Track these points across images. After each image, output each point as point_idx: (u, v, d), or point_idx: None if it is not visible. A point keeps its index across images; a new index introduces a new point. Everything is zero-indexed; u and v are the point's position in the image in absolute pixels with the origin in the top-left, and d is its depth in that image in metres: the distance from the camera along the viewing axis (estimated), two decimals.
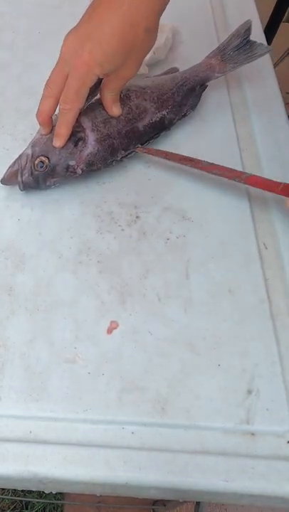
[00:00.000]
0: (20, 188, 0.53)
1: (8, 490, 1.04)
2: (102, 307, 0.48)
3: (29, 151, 0.53)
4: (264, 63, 0.69)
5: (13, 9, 0.74)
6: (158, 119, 0.57)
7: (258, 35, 0.72)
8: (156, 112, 0.57)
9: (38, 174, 0.52)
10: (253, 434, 0.43)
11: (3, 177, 0.53)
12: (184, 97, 0.59)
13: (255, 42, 0.61)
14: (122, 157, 0.56)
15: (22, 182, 0.52)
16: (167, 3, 0.49)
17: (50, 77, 0.51)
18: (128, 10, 0.46)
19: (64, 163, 0.53)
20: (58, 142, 0.52)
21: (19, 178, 0.52)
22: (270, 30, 1.16)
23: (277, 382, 0.45)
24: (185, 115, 0.61)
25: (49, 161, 0.52)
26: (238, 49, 0.61)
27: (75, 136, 0.53)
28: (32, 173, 0.52)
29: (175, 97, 0.58)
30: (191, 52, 0.69)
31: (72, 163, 0.53)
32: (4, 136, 0.60)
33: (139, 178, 0.57)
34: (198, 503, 0.88)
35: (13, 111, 0.62)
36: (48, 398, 0.43)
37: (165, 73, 0.63)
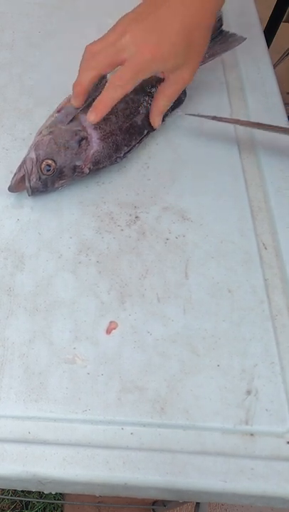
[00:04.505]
0: (28, 193, 0.52)
1: (8, 490, 1.04)
2: (102, 307, 0.48)
3: (33, 155, 0.52)
4: (264, 63, 0.69)
5: (13, 9, 0.74)
6: None
7: (257, 35, 0.73)
8: (150, 103, 0.56)
9: (46, 178, 0.52)
10: (252, 434, 0.43)
11: (11, 185, 0.52)
12: None
13: (228, 32, 0.61)
14: (125, 153, 0.56)
15: (30, 187, 0.51)
16: (223, 4, 0.48)
17: (96, 49, 0.48)
18: (194, 9, 0.45)
19: (71, 164, 0.52)
20: (92, 116, 0.49)
21: (27, 184, 0.51)
22: (270, 30, 1.16)
23: (277, 382, 0.45)
24: (180, 102, 0.60)
25: (56, 163, 0.51)
26: (212, 39, 0.60)
27: (78, 136, 0.53)
28: (40, 178, 0.51)
29: None
30: None
31: (79, 163, 0.53)
32: (4, 136, 0.60)
33: (138, 178, 0.57)
34: (198, 503, 0.87)
35: (13, 111, 0.62)
36: (47, 398, 0.43)
37: None
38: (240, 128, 0.62)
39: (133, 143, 0.56)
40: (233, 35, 0.61)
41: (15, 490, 1.04)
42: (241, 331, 0.47)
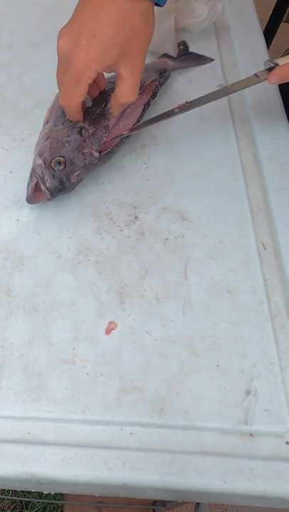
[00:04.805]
0: (47, 197, 0.51)
1: (8, 490, 1.04)
2: (101, 307, 0.48)
3: (40, 161, 0.51)
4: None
5: (12, 9, 0.74)
6: None
7: (257, 35, 0.73)
8: None
9: (59, 174, 0.51)
10: (251, 434, 0.43)
11: (28, 196, 0.51)
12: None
13: (196, 54, 0.70)
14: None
15: (47, 189, 0.51)
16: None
17: (57, 80, 0.50)
18: (122, 9, 0.45)
19: (79, 154, 0.52)
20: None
21: (43, 187, 0.51)
22: (270, 31, 1.16)
23: (276, 382, 0.45)
24: (166, 78, 0.65)
25: (64, 158, 0.51)
26: (181, 56, 0.69)
27: (76, 128, 0.53)
28: (54, 176, 0.51)
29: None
30: (192, 50, 0.69)
31: (86, 150, 0.53)
32: (3, 136, 0.60)
33: (137, 178, 0.57)
34: (197, 503, 0.87)
35: (12, 111, 0.62)
36: (46, 399, 0.43)
37: None
38: (240, 128, 0.62)
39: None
40: (202, 56, 0.70)
41: (15, 490, 1.04)
42: (240, 331, 0.47)
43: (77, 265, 0.50)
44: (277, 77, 0.50)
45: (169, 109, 0.55)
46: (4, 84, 0.65)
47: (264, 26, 1.13)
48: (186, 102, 0.55)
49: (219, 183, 0.57)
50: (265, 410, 0.43)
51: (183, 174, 0.58)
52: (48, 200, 0.52)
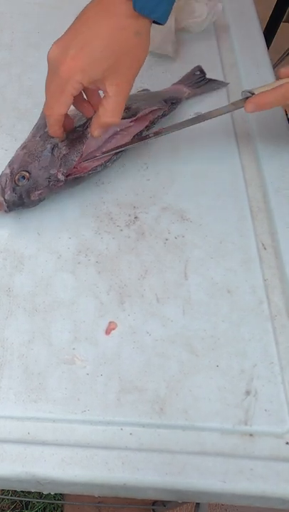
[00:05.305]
0: (4, 208, 0.51)
1: (8, 490, 1.04)
2: (101, 308, 0.48)
3: (8, 171, 0.51)
4: (263, 63, 0.69)
5: (12, 9, 0.74)
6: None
7: (257, 35, 0.73)
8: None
9: (20, 190, 0.50)
10: (251, 434, 0.43)
11: None
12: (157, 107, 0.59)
13: (211, 80, 0.66)
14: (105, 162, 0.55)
15: (5, 201, 0.50)
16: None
17: (45, 88, 0.49)
18: (115, 14, 0.45)
19: (45, 173, 0.51)
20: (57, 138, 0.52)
21: (1, 198, 0.50)
22: (270, 31, 1.16)
23: (276, 383, 0.45)
24: (173, 108, 0.62)
25: (29, 174, 0.51)
26: (197, 82, 0.66)
27: (50, 144, 0.52)
28: (14, 190, 0.50)
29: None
30: (191, 50, 0.70)
31: (53, 171, 0.51)
32: (3, 136, 0.60)
33: (137, 178, 0.57)
34: (197, 503, 0.87)
35: (12, 111, 0.62)
36: (46, 399, 0.43)
37: (141, 95, 0.63)
38: (240, 128, 0.62)
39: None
40: (217, 81, 0.66)
41: (15, 490, 1.04)
42: (240, 331, 0.47)
43: (77, 265, 0.50)
44: (253, 105, 0.50)
45: (145, 134, 0.56)
46: (4, 84, 0.65)
47: (264, 26, 1.13)
48: (160, 129, 0.55)
49: (219, 183, 0.57)
50: (265, 410, 0.43)
51: (183, 174, 0.58)
52: (5, 211, 0.51)
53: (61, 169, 0.52)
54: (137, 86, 0.66)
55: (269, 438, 0.43)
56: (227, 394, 0.44)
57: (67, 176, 0.52)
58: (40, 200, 0.52)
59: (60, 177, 0.52)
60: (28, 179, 0.50)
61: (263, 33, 0.74)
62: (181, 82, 0.66)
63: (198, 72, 0.66)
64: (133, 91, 0.63)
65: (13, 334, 0.46)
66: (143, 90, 0.64)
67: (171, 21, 0.68)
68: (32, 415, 0.43)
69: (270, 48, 1.14)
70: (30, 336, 0.46)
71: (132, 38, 0.45)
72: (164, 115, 0.60)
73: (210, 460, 0.41)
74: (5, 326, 0.47)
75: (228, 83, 0.67)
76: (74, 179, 0.53)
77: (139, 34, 0.46)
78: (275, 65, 1.24)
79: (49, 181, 0.51)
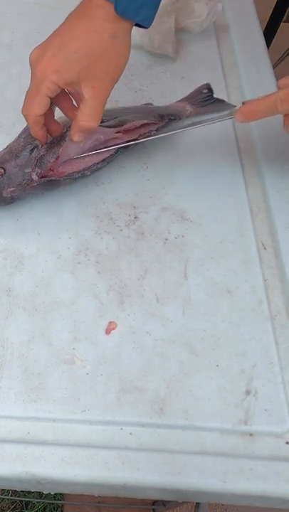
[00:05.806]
0: None
1: (8, 490, 1.04)
2: (101, 307, 0.48)
3: None
4: (263, 63, 0.69)
5: (12, 9, 0.74)
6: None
7: (257, 35, 0.73)
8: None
9: None
10: (251, 434, 0.43)
11: None
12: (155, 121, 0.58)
13: (218, 99, 0.63)
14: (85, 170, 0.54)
15: None
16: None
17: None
18: (92, 18, 0.45)
19: (20, 171, 0.51)
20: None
21: None
22: (270, 31, 1.16)
23: (276, 382, 0.45)
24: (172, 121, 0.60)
25: (4, 170, 0.51)
26: (203, 101, 0.63)
27: (31, 145, 0.52)
28: None
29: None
30: (191, 50, 0.70)
31: (27, 170, 0.52)
32: (3, 136, 0.60)
33: (137, 178, 0.57)
34: (197, 503, 0.87)
35: (12, 111, 0.62)
36: (46, 399, 0.43)
37: (138, 107, 0.62)
38: (240, 128, 0.62)
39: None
40: (224, 102, 0.64)
41: (15, 490, 1.04)
42: (240, 331, 0.47)
43: (77, 265, 0.50)
44: (242, 115, 0.48)
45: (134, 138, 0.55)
46: (4, 84, 0.65)
47: (264, 26, 1.13)
48: (151, 132, 0.55)
49: (219, 183, 0.57)
50: (265, 410, 0.43)
51: (183, 174, 0.58)
52: None
53: (36, 169, 0.52)
54: (137, 87, 0.66)
55: (269, 438, 0.43)
56: (227, 394, 0.44)
57: (41, 177, 0.52)
58: (12, 199, 0.52)
59: (34, 177, 0.52)
60: (2, 175, 0.51)
61: (263, 33, 0.74)
62: (186, 99, 0.64)
63: (205, 91, 0.64)
64: (136, 103, 0.63)
65: (13, 334, 0.46)
66: (146, 104, 0.63)
67: (171, 21, 0.68)
68: (32, 415, 0.43)
69: (270, 47, 1.14)
70: (30, 336, 0.46)
71: (106, 41, 0.45)
72: (157, 130, 0.58)
73: (210, 460, 0.41)
74: (5, 325, 0.47)
75: (235, 106, 0.62)
76: (49, 182, 0.52)
77: (114, 37, 0.45)
78: (275, 65, 1.24)
79: (22, 179, 0.52)
